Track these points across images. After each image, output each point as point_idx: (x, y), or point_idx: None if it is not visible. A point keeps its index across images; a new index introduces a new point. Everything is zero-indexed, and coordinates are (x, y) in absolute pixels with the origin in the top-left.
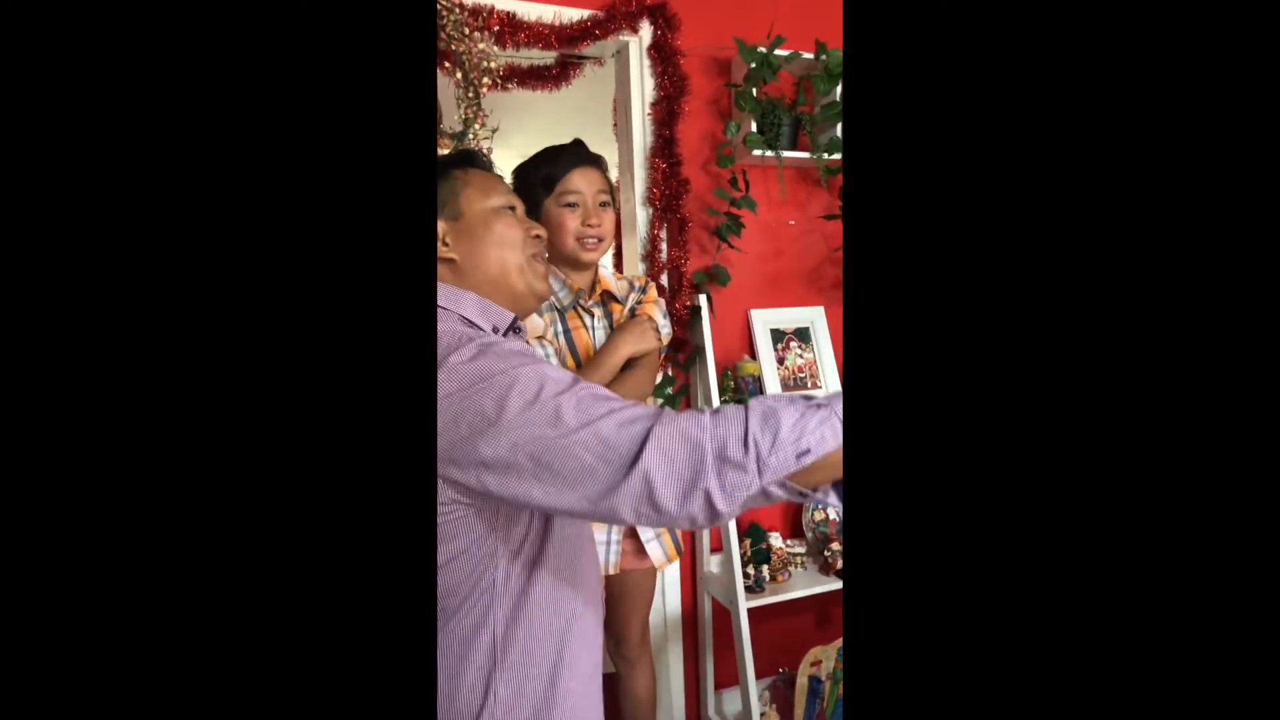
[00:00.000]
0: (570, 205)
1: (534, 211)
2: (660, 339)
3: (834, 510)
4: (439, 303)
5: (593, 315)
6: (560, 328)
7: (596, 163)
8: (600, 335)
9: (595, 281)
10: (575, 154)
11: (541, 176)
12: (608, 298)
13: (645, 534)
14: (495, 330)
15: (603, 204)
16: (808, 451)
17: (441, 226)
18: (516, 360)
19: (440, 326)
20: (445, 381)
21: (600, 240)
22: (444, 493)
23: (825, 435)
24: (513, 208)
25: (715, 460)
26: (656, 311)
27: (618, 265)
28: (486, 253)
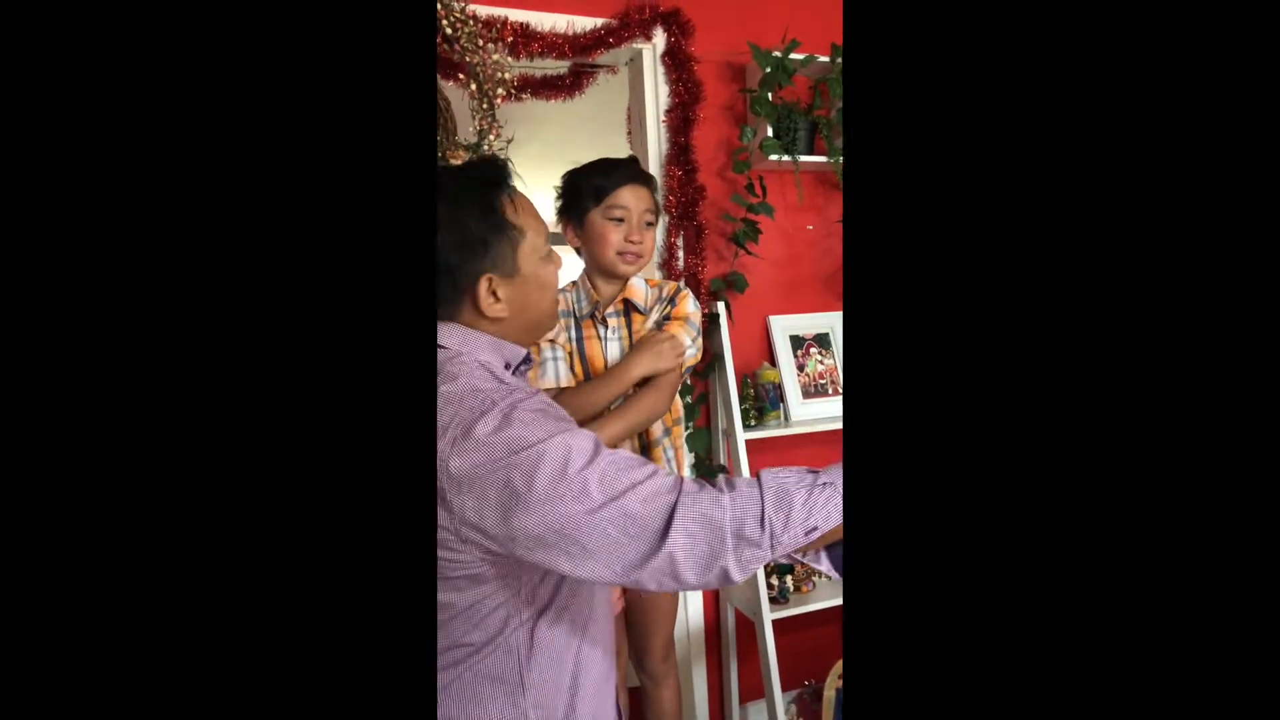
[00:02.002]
0: (616, 220)
1: (578, 219)
2: (680, 358)
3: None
4: (453, 346)
5: (607, 325)
6: (575, 334)
7: (648, 182)
8: (613, 346)
9: (620, 290)
10: (629, 171)
11: (593, 186)
12: (629, 307)
13: None
14: (508, 366)
15: (648, 223)
16: (815, 529)
17: (494, 281)
18: (542, 430)
19: (460, 382)
20: (473, 452)
21: (639, 257)
22: (471, 552)
23: (830, 513)
24: (550, 251)
25: (734, 539)
26: (685, 331)
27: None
28: (533, 304)
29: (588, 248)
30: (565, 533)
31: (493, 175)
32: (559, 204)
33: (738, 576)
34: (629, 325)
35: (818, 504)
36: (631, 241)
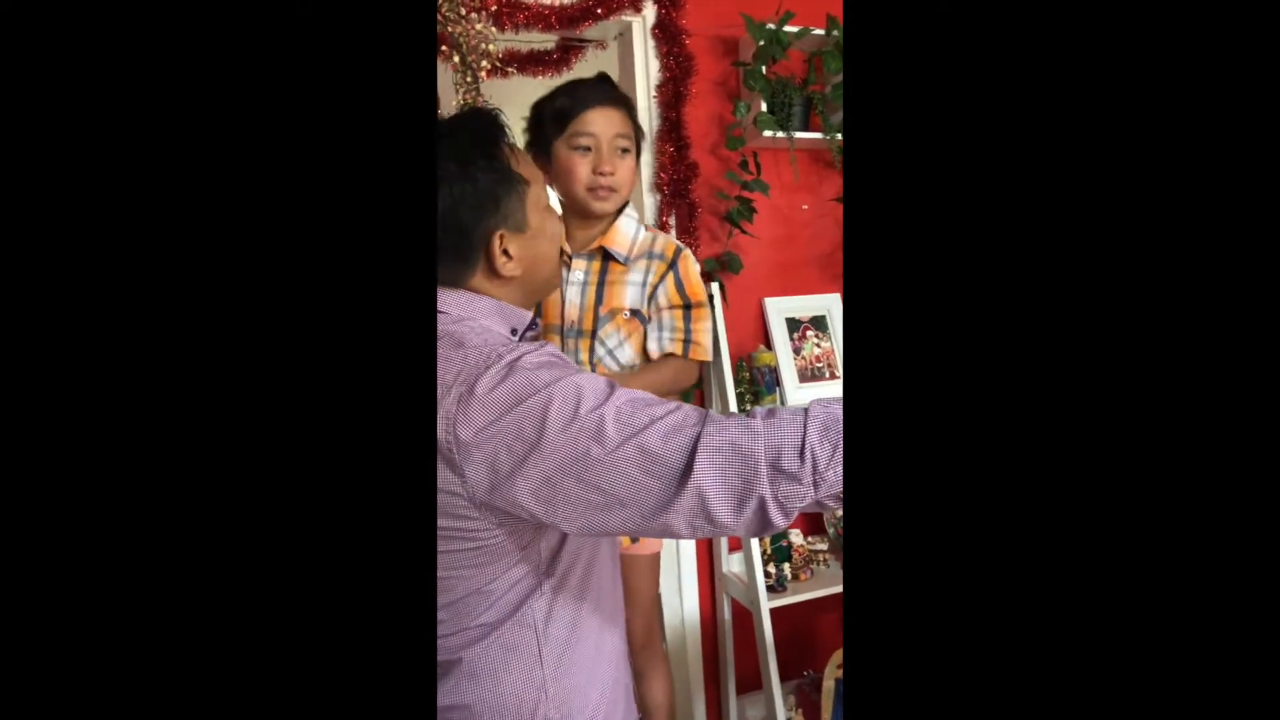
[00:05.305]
0: (583, 149)
1: (544, 152)
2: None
3: None
4: (453, 312)
5: (569, 269)
6: None
7: (620, 102)
8: (575, 292)
9: (598, 234)
10: (596, 90)
11: (554, 111)
12: (604, 254)
13: None
14: (514, 332)
15: (622, 150)
16: None
17: (506, 238)
18: (548, 374)
19: (468, 344)
20: (479, 413)
21: (614, 190)
22: (486, 519)
23: None
24: (549, 203)
25: (769, 469)
26: (708, 322)
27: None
28: (542, 258)
29: (557, 184)
30: (583, 477)
31: (491, 124)
32: (526, 137)
33: (778, 518)
34: (603, 273)
35: None
36: (602, 173)
